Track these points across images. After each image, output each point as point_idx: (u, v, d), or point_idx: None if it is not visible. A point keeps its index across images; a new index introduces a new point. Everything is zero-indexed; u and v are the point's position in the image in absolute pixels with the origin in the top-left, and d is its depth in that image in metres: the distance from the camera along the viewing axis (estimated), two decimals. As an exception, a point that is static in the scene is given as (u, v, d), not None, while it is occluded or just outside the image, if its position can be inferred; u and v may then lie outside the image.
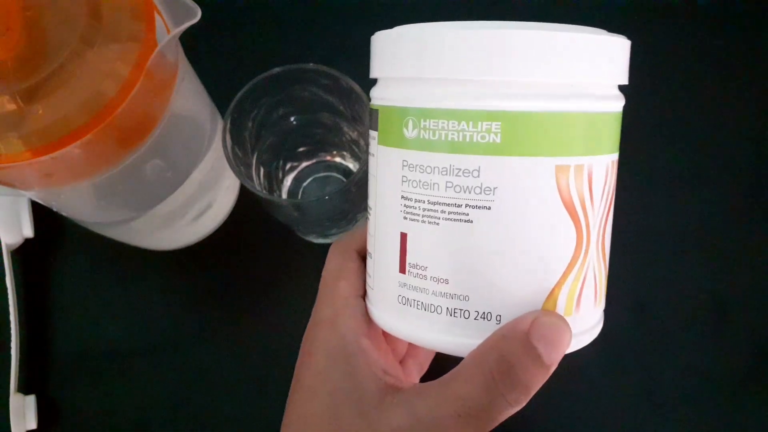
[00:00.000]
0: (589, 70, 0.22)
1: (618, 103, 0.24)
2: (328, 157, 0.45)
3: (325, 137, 0.43)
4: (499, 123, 0.21)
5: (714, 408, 0.42)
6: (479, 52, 0.21)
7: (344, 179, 0.45)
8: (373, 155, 0.25)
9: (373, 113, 0.25)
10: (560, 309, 0.23)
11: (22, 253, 0.45)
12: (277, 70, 0.35)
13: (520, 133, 0.21)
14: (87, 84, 0.28)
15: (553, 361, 0.22)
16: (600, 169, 0.22)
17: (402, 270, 0.23)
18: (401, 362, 0.31)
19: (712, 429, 0.42)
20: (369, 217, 0.26)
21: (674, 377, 0.42)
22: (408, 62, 0.23)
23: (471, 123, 0.21)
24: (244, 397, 0.43)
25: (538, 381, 0.22)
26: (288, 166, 0.44)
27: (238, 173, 0.35)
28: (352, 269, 0.27)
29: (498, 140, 0.21)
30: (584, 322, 0.24)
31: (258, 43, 0.50)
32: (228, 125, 0.35)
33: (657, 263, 0.45)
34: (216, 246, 0.45)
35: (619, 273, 0.44)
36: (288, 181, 0.45)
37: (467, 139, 0.21)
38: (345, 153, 0.44)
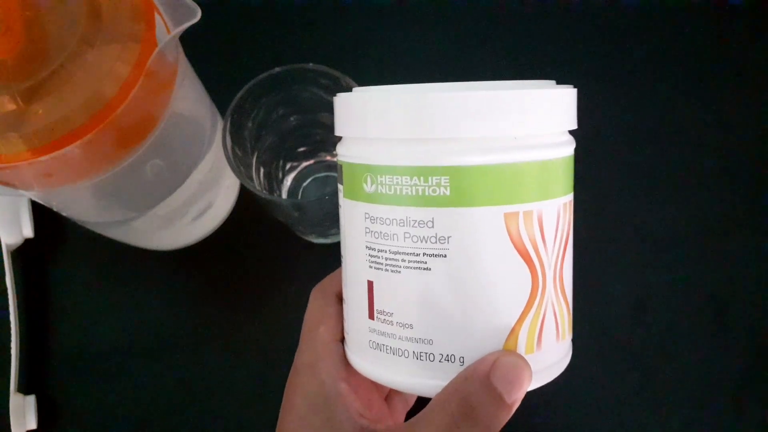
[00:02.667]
0: (529, 123, 0.23)
1: (566, 149, 0.25)
2: (328, 157, 0.45)
3: (325, 137, 0.43)
4: (448, 177, 0.22)
5: (713, 407, 0.42)
6: (424, 114, 0.23)
7: (344, 179, 0.44)
8: (342, 207, 0.26)
9: (339, 168, 0.26)
10: (521, 348, 0.24)
11: (22, 253, 0.45)
12: (277, 70, 0.35)
13: (466, 186, 0.22)
14: (87, 84, 0.28)
15: (515, 400, 0.23)
16: (551, 212, 0.24)
17: (371, 316, 0.25)
18: (387, 398, 0.32)
19: (712, 429, 0.42)
20: (342, 264, 0.27)
21: (674, 377, 0.42)
22: (361, 124, 0.24)
23: (422, 178, 0.23)
24: (244, 397, 0.43)
25: (499, 420, 0.23)
26: (288, 166, 0.44)
27: (238, 173, 0.35)
28: (332, 314, 0.28)
29: (447, 193, 0.23)
30: (547, 358, 0.24)
31: (258, 43, 0.50)
32: (228, 125, 0.35)
33: (657, 263, 0.45)
34: (216, 246, 0.45)
35: (619, 273, 0.44)
36: (288, 181, 0.45)
37: (420, 193, 0.23)
38: (345, 153, 0.44)
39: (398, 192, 0.23)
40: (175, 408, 0.43)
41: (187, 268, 0.46)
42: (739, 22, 0.49)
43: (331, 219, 0.40)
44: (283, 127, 0.41)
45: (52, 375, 0.44)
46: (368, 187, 0.24)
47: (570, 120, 0.25)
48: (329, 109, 0.39)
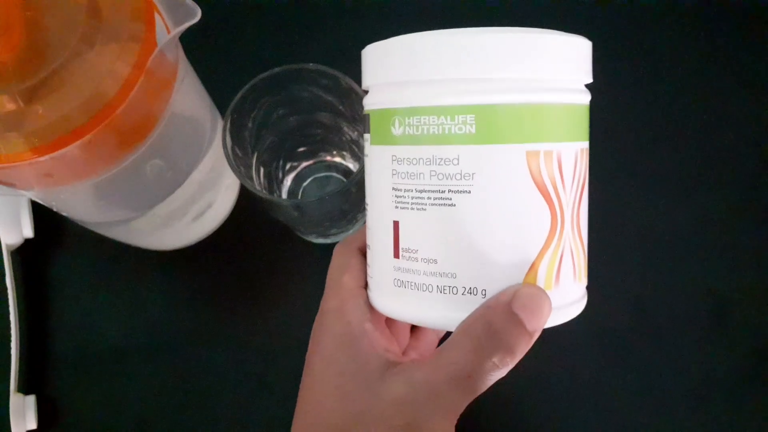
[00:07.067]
0: (555, 66, 0.24)
1: (583, 97, 0.26)
2: (328, 157, 0.45)
3: (325, 137, 0.43)
4: (473, 115, 0.23)
5: (714, 407, 0.42)
6: (452, 55, 0.24)
7: (344, 179, 0.45)
8: (368, 155, 0.27)
9: (366, 118, 0.27)
10: (540, 282, 0.25)
11: (22, 253, 0.45)
12: (277, 70, 0.35)
13: (491, 124, 0.23)
14: (87, 84, 0.28)
15: (535, 329, 0.24)
16: (569, 155, 0.25)
17: (396, 255, 0.26)
18: (404, 353, 0.33)
19: (712, 428, 0.42)
20: (366, 213, 0.28)
21: (674, 377, 0.42)
22: (390, 68, 0.25)
23: (449, 117, 0.24)
24: (244, 396, 0.43)
25: (521, 346, 0.24)
26: (288, 166, 0.44)
27: (238, 173, 0.35)
28: (355, 264, 0.29)
29: (473, 131, 0.24)
30: (565, 296, 0.26)
31: (258, 43, 0.50)
32: (228, 125, 0.35)
33: (657, 263, 0.45)
34: (216, 246, 0.45)
35: (619, 273, 0.44)
36: (288, 181, 0.45)
37: (446, 132, 0.24)
38: (345, 153, 0.44)
39: (425, 132, 0.24)
40: (175, 408, 0.43)
41: (187, 268, 0.46)
42: (739, 22, 0.49)
43: (331, 219, 0.40)
44: (283, 127, 0.41)
45: (52, 375, 0.44)
46: (396, 130, 0.25)
47: (587, 71, 0.26)
48: (329, 109, 0.39)
